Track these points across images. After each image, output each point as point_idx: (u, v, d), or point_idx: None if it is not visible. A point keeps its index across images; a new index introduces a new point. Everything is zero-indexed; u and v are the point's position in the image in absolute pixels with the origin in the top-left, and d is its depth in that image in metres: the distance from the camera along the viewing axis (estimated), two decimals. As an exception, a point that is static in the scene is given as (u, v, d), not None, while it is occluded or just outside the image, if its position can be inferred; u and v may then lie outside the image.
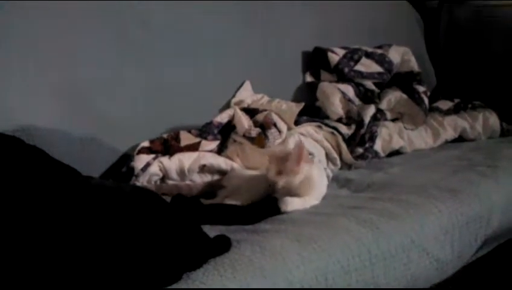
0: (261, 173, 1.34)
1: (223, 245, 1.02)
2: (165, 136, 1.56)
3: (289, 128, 1.66)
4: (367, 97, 1.94)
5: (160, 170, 1.46)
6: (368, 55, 2.04)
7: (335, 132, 1.72)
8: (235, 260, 0.98)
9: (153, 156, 1.48)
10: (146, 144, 1.51)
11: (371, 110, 1.86)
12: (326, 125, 1.75)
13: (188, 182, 1.46)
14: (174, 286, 0.89)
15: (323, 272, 1.03)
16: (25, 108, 1.36)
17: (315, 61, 2.00)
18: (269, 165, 1.27)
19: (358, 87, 1.95)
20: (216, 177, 1.48)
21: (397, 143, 1.84)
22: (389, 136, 1.84)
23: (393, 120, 1.95)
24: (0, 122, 1.28)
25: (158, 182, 1.46)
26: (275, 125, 1.61)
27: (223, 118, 1.66)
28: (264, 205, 1.26)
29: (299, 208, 1.26)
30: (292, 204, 1.25)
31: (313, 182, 1.28)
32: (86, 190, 0.93)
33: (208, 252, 0.98)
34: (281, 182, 1.24)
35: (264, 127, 1.60)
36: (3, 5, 1.36)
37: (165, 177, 1.46)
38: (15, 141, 1.13)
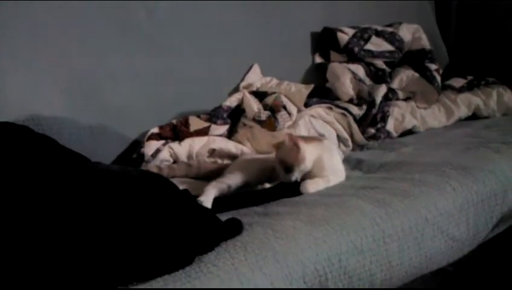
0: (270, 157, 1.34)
1: (234, 228, 1.02)
2: (174, 121, 1.55)
3: (299, 111, 1.64)
4: (378, 77, 1.92)
5: (171, 155, 1.46)
6: (378, 33, 2.00)
7: (346, 113, 1.70)
8: (247, 242, 0.97)
9: (162, 142, 1.48)
10: (155, 130, 1.51)
11: (382, 89, 1.84)
12: (337, 106, 1.73)
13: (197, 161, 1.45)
14: (187, 268, 0.89)
15: (337, 252, 1.02)
16: (35, 98, 1.37)
17: (324, 41, 1.98)
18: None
19: (368, 66, 1.93)
20: (226, 161, 1.48)
21: (410, 122, 1.82)
22: (401, 115, 1.82)
23: (405, 99, 1.92)
24: (11, 112, 1.29)
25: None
26: (284, 107, 1.60)
27: (232, 102, 1.65)
28: (285, 188, 1.25)
29: (322, 188, 1.26)
30: (313, 185, 1.25)
31: (323, 162, 1.27)
32: (93, 174, 0.93)
33: (219, 236, 0.98)
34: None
35: (274, 110, 1.59)
36: (10, 3, 1.36)
37: (175, 162, 1.46)
38: (25, 130, 1.14)
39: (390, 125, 1.78)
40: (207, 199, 1.17)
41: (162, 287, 0.85)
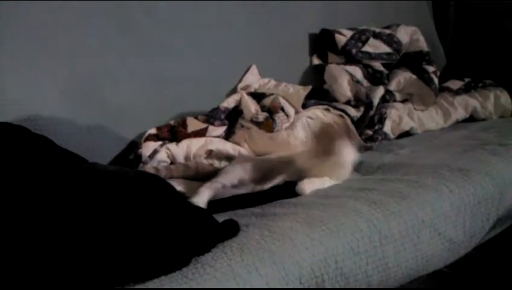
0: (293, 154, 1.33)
1: (231, 229, 1.02)
2: (172, 122, 1.55)
3: (297, 112, 1.65)
4: (375, 78, 1.92)
5: (168, 156, 1.46)
6: (376, 35, 2.01)
7: (343, 115, 1.71)
8: (244, 243, 0.98)
9: (160, 143, 1.48)
10: (153, 131, 1.51)
11: (379, 91, 1.84)
12: (335, 108, 1.73)
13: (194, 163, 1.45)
14: (183, 269, 0.89)
15: (333, 253, 1.02)
16: (32, 99, 1.36)
17: (322, 43, 1.98)
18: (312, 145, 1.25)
19: (366, 68, 1.93)
20: (224, 163, 1.48)
21: (407, 124, 1.82)
22: (398, 117, 1.83)
23: (402, 101, 1.93)
24: (8, 113, 1.29)
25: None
26: (282, 109, 1.60)
27: (229, 103, 1.65)
28: (281, 189, 1.25)
29: (318, 188, 1.26)
30: (309, 186, 1.25)
31: (344, 162, 1.27)
32: (90, 175, 0.93)
33: (216, 237, 0.98)
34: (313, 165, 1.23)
35: (272, 111, 1.59)
36: (10, 3, 1.36)
37: (172, 163, 1.46)
38: (22, 130, 1.14)
39: (387, 127, 1.79)
40: (200, 200, 1.17)
41: (158, 287, 0.85)
